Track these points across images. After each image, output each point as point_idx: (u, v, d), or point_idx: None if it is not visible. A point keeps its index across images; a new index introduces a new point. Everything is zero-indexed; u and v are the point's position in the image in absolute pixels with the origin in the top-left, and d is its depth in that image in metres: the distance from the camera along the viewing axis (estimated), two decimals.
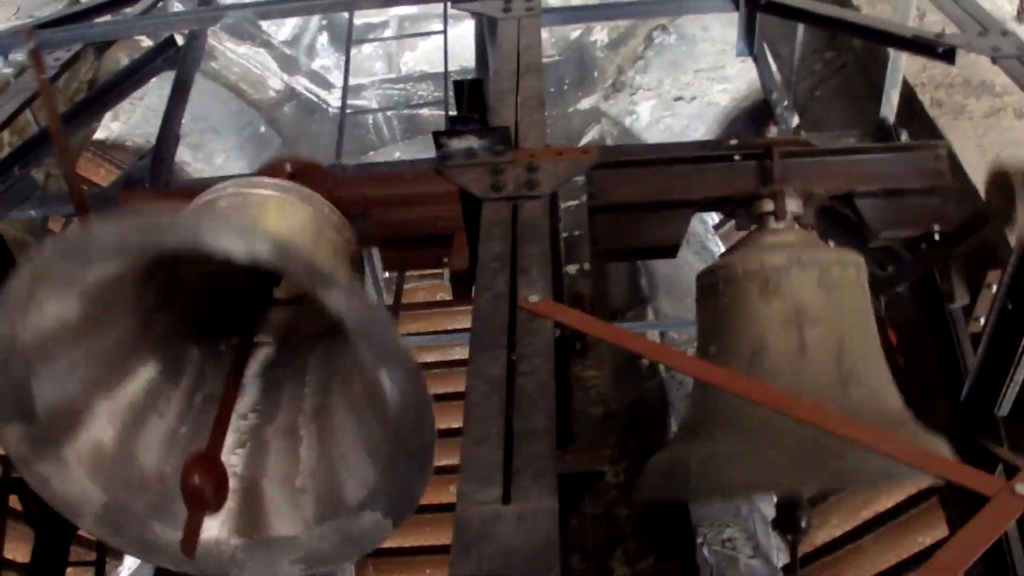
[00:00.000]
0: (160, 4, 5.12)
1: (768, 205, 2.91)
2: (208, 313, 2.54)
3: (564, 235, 9.82)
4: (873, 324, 2.73)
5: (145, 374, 2.42)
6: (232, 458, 2.45)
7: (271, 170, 3.20)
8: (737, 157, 3.00)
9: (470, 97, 2.50)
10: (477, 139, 2.42)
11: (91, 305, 2.16)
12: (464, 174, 2.38)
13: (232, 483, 2.39)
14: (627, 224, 2.95)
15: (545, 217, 2.22)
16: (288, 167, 3.16)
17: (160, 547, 2.33)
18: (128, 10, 4.94)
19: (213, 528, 2.36)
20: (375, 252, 5.60)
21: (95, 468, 2.27)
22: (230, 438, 2.44)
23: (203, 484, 2.08)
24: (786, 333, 2.53)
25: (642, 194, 2.94)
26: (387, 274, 9.95)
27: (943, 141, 3.32)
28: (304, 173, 3.20)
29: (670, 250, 3.00)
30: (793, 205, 2.92)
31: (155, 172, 4.48)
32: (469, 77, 2.56)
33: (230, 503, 2.37)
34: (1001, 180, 2.57)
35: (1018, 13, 6.87)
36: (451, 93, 9.85)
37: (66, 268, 2.03)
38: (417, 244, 3.25)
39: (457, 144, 2.42)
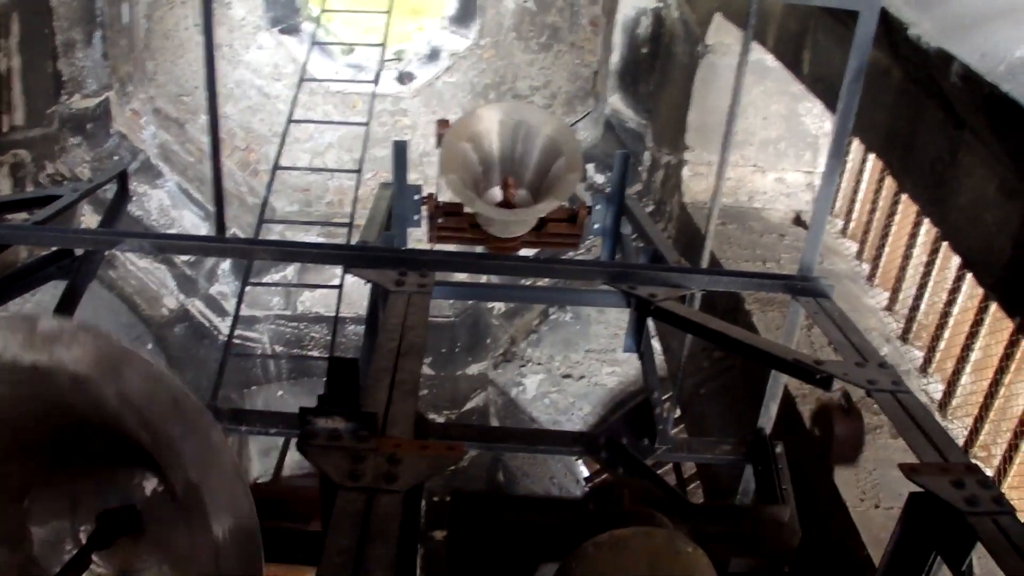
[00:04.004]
0: (67, 211, 5.06)
1: None
2: None
3: None
4: None
5: None
6: None
7: None
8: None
9: (345, 377, 2.45)
10: (344, 421, 2.36)
11: None
12: (324, 456, 2.30)
13: None
14: None
15: (398, 514, 2.14)
16: None
17: None
18: (29, 216, 4.87)
19: None
20: None
21: None
22: None
23: None
24: None
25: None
26: None
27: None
28: None
29: None
30: None
31: None
32: (348, 356, 2.52)
33: None
34: (822, 413, 2.63)
35: (903, 333, 7.14)
36: (341, 339, 9.77)
37: None
38: None
39: (323, 424, 2.36)
